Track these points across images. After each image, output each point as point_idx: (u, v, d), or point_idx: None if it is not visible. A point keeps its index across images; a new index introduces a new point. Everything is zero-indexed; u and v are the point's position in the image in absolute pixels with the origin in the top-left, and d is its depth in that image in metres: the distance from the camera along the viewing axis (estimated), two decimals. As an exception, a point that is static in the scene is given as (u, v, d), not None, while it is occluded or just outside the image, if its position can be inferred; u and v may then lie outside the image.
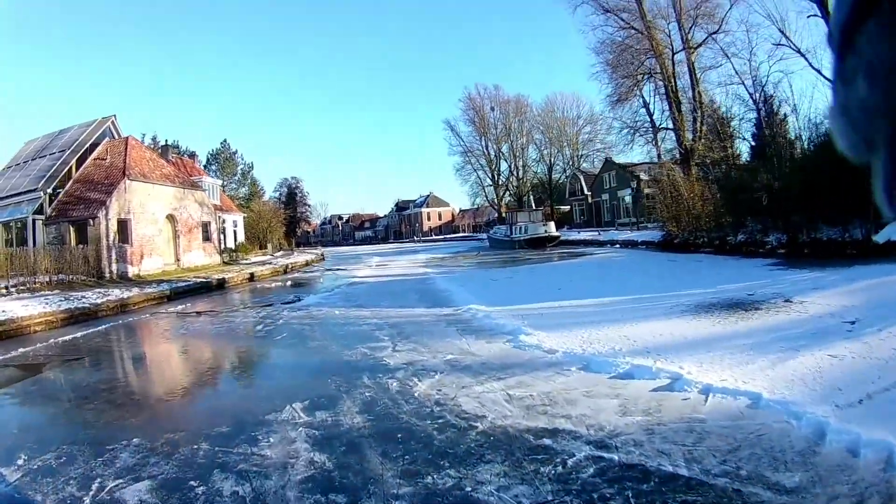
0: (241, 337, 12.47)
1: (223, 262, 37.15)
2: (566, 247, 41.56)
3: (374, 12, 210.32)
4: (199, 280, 25.58)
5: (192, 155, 54.18)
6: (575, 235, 47.54)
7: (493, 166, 77.89)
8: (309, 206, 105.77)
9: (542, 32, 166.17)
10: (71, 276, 23.78)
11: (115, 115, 35.00)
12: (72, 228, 27.92)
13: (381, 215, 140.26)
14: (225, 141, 71.97)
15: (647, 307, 11.17)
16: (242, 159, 70.50)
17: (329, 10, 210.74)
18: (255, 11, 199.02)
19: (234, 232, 47.84)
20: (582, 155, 72.72)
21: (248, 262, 38.46)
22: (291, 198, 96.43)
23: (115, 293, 20.51)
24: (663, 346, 7.70)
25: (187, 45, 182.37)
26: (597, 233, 45.49)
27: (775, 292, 11.42)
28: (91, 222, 27.13)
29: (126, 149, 31.47)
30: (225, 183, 66.06)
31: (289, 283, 26.23)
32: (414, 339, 10.07)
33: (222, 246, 39.67)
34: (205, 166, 65.64)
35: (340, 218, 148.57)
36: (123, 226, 28.57)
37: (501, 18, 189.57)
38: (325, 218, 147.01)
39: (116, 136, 34.44)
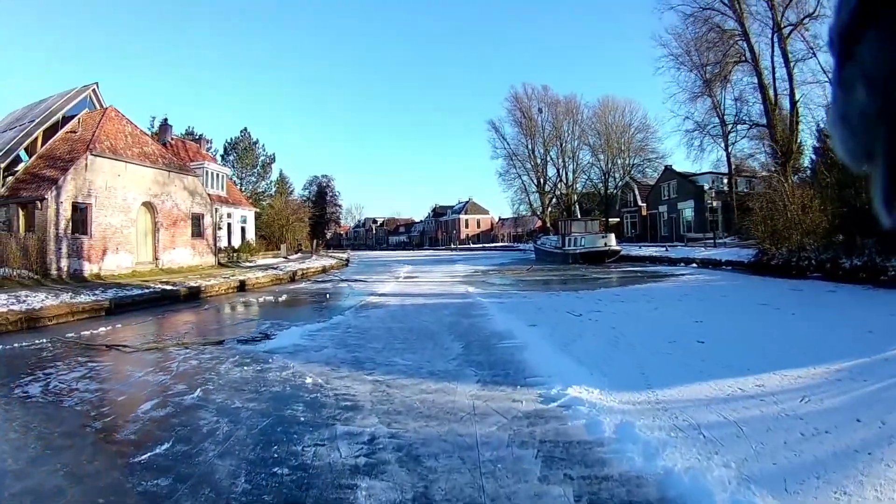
0: (71, 433, 5.71)
1: (218, 263, 31.08)
2: (629, 264, 35.55)
3: (414, 7, 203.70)
4: (165, 288, 19.37)
5: (199, 139, 47.64)
6: (635, 251, 40.95)
7: (540, 171, 72.46)
8: (340, 206, 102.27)
9: (594, 31, 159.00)
10: (7, 272, 18.66)
11: (97, 83, 29.15)
12: (21, 212, 21.94)
13: (417, 220, 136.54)
14: (245, 129, 65.40)
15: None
16: (264, 150, 64.76)
17: (366, 5, 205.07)
18: (295, 8, 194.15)
19: (243, 229, 41.68)
20: (634, 165, 66.08)
21: (249, 265, 32.18)
22: (321, 197, 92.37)
23: (32, 300, 14.76)
24: None
25: (217, 39, 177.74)
26: (664, 248, 39.10)
27: None
28: (38, 205, 21.10)
29: (102, 120, 25.57)
30: (243, 175, 61.14)
31: (282, 298, 19.70)
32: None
33: (219, 244, 33.63)
34: (222, 156, 60.44)
35: (375, 221, 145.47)
36: (81, 212, 22.67)
37: (549, 14, 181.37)
38: (360, 221, 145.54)
39: (98, 108, 28.54)
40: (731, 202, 45.31)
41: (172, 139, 41.06)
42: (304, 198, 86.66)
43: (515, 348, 9.47)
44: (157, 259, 26.55)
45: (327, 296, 20.54)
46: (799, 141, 33.79)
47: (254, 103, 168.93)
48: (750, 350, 8.42)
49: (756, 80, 37.25)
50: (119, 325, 13.26)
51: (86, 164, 22.64)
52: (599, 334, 10.39)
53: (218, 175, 39.61)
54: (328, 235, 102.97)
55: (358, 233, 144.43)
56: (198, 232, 30.02)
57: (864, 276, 17.41)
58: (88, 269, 21.97)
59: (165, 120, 41.67)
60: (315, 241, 62.41)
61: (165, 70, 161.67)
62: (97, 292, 16.97)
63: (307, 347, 10.07)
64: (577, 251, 38.73)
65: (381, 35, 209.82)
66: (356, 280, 28.08)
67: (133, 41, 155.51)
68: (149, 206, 26.40)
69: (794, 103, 33.74)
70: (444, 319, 13.24)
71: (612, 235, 40.51)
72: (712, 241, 37.92)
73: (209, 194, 34.07)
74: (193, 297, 19.76)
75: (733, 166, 46.01)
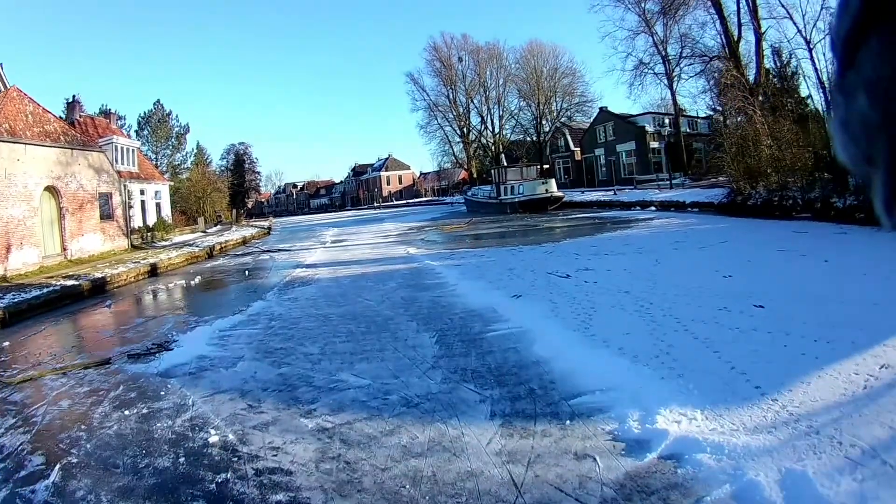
0: None
1: (131, 246, 26.96)
2: (576, 210, 33.18)
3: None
4: (65, 284, 16.05)
5: (108, 114, 42.68)
6: (578, 196, 38.80)
7: (463, 121, 69.59)
8: (259, 173, 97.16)
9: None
10: None
11: (1, 64, 25.35)
12: None
13: (337, 182, 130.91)
14: (158, 101, 59.30)
15: None
16: (178, 121, 58.82)
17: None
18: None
19: (158, 205, 36.82)
20: (564, 109, 63.60)
21: (165, 244, 28.23)
22: (239, 165, 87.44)
23: None
24: None
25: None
26: (611, 192, 36.52)
27: None
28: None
29: (2, 101, 21.69)
30: (158, 149, 56.04)
31: (195, 281, 16.33)
32: None
33: (133, 224, 29.91)
34: (136, 131, 55.06)
35: (295, 186, 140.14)
36: (-24, 206, 18.67)
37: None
38: (280, 187, 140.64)
39: (3, 89, 24.46)
40: (680, 142, 44.00)
41: (81, 117, 36.25)
42: (223, 167, 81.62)
43: (515, 337, 6.88)
44: (65, 250, 22.55)
45: (246, 273, 17.40)
46: (767, 73, 32.08)
47: (168, 77, 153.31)
48: (829, 314, 6.29)
49: (715, 13, 35.08)
50: (6, 344, 10.05)
51: (-19, 152, 18.79)
52: (619, 305, 7.92)
53: (127, 149, 34.64)
54: (249, 204, 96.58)
55: (279, 199, 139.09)
56: (107, 213, 25.85)
57: (862, 216, 15.18)
58: (-8, 271, 18.28)
59: (74, 97, 36.63)
60: (236, 211, 58.26)
61: (74, 47, 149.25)
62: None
63: (216, 362, 7.15)
64: (516, 200, 36.03)
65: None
66: (279, 250, 24.96)
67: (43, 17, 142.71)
68: (52, 190, 22.27)
69: (759, 35, 31.64)
70: (393, 295, 10.48)
71: (553, 181, 37.99)
72: (667, 182, 35.60)
73: (119, 171, 29.84)
74: (98, 290, 16.29)
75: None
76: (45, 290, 14.86)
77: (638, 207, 28.56)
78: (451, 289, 10.55)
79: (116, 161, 31.13)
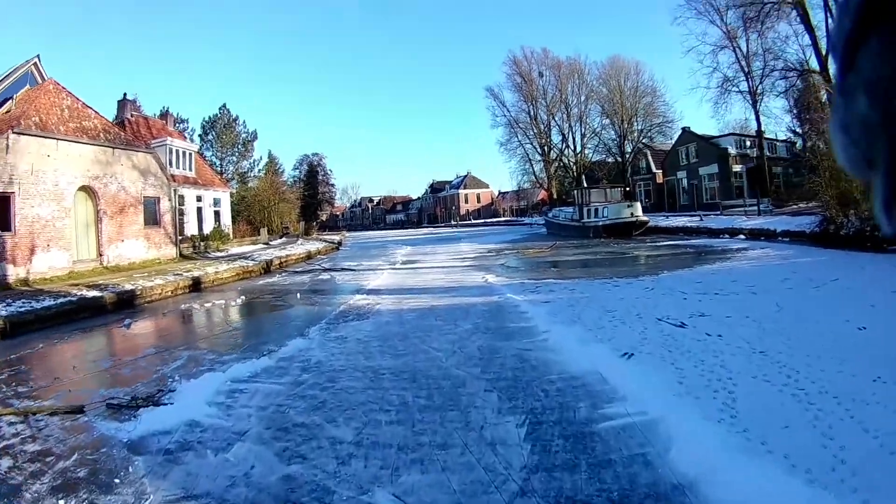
0: None
1: (180, 255, 25.92)
2: (661, 237, 30.99)
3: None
4: (86, 296, 14.43)
5: (165, 114, 41.62)
6: (663, 221, 36.36)
7: (544, 138, 67.31)
8: (333, 185, 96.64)
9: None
10: None
11: (38, 56, 24.73)
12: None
13: (415, 198, 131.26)
14: (224, 106, 59.04)
15: None
16: (245, 127, 59.14)
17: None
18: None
19: (217, 214, 35.96)
20: (647, 128, 60.60)
21: (220, 255, 27.08)
22: (312, 176, 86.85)
23: None
24: None
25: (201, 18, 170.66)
26: (697, 218, 33.82)
27: None
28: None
29: (37, 95, 20.84)
30: (223, 156, 55.89)
31: (235, 303, 14.77)
32: None
33: (187, 232, 28.65)
34: (200, 136, 55.23)
35: (371, 201, 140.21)
36: (2, 204, 17.70)
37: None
38: (355, 201, 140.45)
39: (40, 82, 23.74)
40: (763, 165, 41.08)
41: (133, 116, 35.50)
42: (295, 178, 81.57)
43: (640, 433, 4.62)
44: (101, 255, 21.46)
45: (299, 296, 15.45)
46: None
47: (238, 84, 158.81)
48: None
49: (802, 24, 32.39)
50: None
51: (7, 145, 17.50)
52: (761, 374, 5.68)
53: (184, 153, 33.85)
54: (324, 217, 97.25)
55: (354, 213, 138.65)
56: (153, 219, 24.78)
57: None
58: (14, 273, 17.18)
59: (125, 95, 35.92)
60: (305, 224, 57.31)
61: (139, 47, 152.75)
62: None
63: (208, 437, 5.11)
64: (600, 223, 33.63)
65: (370, 7, 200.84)
66: (343, 269, 23.01)
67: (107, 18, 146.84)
68: (88, 191, 21.27)
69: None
70: (468, 344, 8.15)
71: (638, 204, 35.57)
72: (755, 208, 32.65)
73: (174, 175, 29.25)
74: (124, 304, 14.85)
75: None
76: (59, 301, 13.51)
77: (726, 235, 26.61)
78: (541, 337, 8.24)
79: (170, 164, 30.31)
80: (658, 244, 26.15)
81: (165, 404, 6.07)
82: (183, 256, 25.88)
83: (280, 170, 67.19)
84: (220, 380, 6.85)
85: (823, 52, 31.06)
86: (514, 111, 68.85)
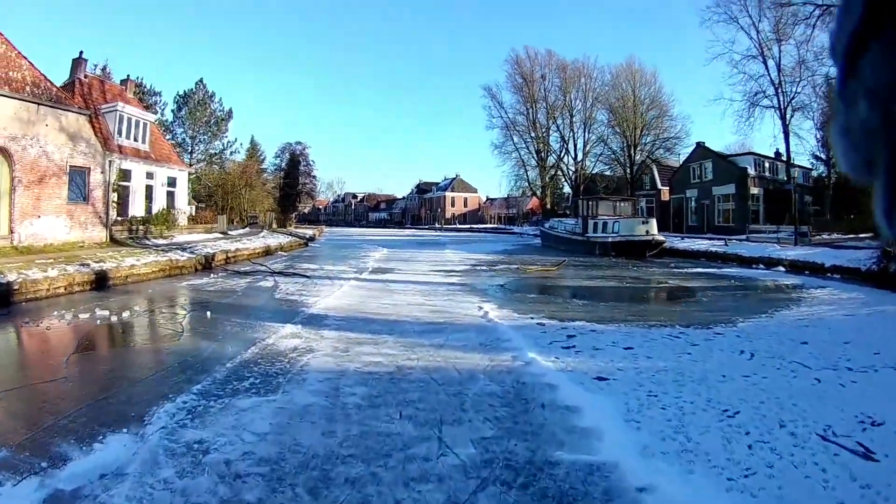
0: None
1: (110, 238, 21.48)
2: (679, 261, 26.87)
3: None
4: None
5: (126, 81, 36.37)
6: (679, 243, 31.99)
7: (542, 144, 63.41)
8: (315, 177, 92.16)
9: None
10: None
11: None
12: None
13: (400, 197, 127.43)
14: (201, 80, 53.28)
15: None
16: (221, 105, 53.76)
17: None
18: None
19: (171, 194, 30.42)
20: (659, 140, 56.53)
21: (161, 243, 22.26)
22: (294, 166, 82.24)
23: None
24: None
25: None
26: (721, 242, 29.74)
27: None
28: None
29: None
30: (196, 134, 50.88)
31: (119, 318, 10.08)
32: None
33: (122, 213, 24.04)
34: (173, 111, 50.40)
35: (354, 196, 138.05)
36: None
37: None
38: (339, 195, 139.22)
39: None
40: (791, 189, 37.50)
41: (86, 77, 30.56)
42: (276, 166, 77.29)
43: None
44: (11, 233, 17.30)
45: (207, 315, 10.74)
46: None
47: (222, 71, 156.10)
48: None
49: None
50: None
51: None
52: None
53: (137, 122, 28.01)
54: (306, 210, 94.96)
55: (337, 208, 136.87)
56: (80, 194, 20.48)
57: None
58: None
59: (81, 53, 30.64)
60: (284, 215, 53.51)
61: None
62: None
63: None
64: (609, 240, 29.65)
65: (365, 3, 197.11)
66: (296, 273, 18.34)
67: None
68: (3, 153, 17.21)
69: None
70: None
71: (654, 221, 31.43)
72: (783, 235, 28.73)
73: (121, 146, 24.91)
74: None
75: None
76: None
77: (762, 266, 23.34)
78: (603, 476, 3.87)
79: (119, 133, 25.55)
80: (686, 271, 22.02)
81: None
82: (114, 241, 21.42)
83: (261, 157, 64.30)
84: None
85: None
86: (512, 113, 65.69)
